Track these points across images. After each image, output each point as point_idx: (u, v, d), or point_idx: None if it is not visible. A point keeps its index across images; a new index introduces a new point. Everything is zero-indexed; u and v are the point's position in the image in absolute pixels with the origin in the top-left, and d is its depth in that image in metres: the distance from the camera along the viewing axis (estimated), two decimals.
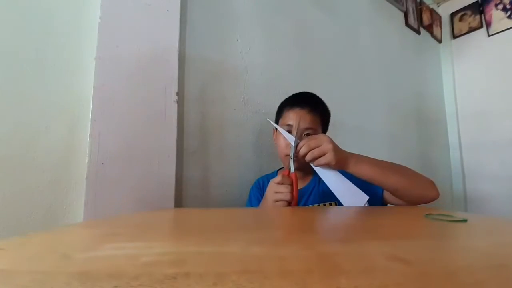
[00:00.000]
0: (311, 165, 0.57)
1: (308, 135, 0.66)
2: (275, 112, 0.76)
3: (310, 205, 0.67)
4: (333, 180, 0.57)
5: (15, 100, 0.54)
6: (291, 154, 0.59)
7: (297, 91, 0.75)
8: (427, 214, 0.37)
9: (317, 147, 0.54)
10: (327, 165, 0.55)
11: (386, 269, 0.15)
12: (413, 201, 0.58)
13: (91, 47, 0.61)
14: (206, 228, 0.33)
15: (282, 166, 0.78)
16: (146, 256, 0.18)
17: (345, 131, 1.17)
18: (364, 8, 1.44)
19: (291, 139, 0.61)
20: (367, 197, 0.55)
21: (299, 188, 0.69)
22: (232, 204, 0.80)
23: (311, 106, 0.68)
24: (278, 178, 0.55)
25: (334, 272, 0.15)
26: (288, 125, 0.67)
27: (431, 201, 0.57)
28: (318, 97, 0.73)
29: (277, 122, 0.74)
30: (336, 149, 0.54)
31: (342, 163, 0.55)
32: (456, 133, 1.91)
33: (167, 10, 0.72)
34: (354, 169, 0.55)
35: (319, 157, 0.54)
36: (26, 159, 0.53)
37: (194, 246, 0.21)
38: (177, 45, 0.72)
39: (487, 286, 0.13)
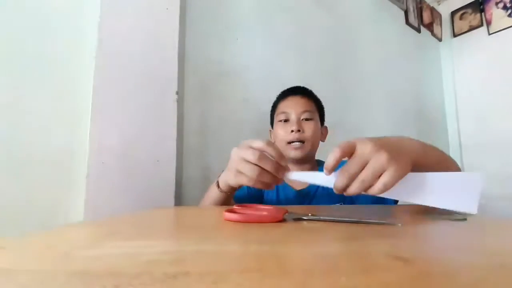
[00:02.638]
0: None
1: (307, 119, 0.66)
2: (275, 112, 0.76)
3: None
4: (426, 193, 0.35)
5: (15, 99, 0.54)
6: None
7: None
8: (427, 214, 0.37)
9: (359, 166, 0.33)
10: (394, 184, 0.33)
11: (385, 268, 0.15)
12: None
13: (91, 46, 0.60)
14: (206, 227, 0.33)
15: None
16: (146, 255, 0.18)
17: (344, 131, 1.17)
18: (365, 6, 1.43)
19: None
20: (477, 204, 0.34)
21: (302, 188, 0.65)
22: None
23: (302, 93, 0.70)
24: (257, 142, 0.39)
25: (334, 271, 0.15)
26: (284, 112, 0.67)
27: None
28: (308, 88, 0.74)
29: (272, 121, 0.74)
30: (394, 156, 0.33)
31: (406, 170, 0.34)
32: (456, 132, 1.91)
33: (167, 9, 0.72)
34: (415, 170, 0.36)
35: (374, 180, 0.33)
36: (26, 158, 0.53)
37: (194, 245, 0.21)
38: (176, 44, 0.72)
39: (487, 286, 0.13)
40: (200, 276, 0.14)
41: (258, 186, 0.39)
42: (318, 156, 0.72)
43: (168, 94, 0.70)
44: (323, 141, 0.73)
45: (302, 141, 0.64)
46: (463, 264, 0.17)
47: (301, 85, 0.74)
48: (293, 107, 0.66)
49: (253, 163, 0.37)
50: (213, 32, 0.85)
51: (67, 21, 0.61)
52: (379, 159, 0.32)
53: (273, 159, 0.38)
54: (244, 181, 0.39)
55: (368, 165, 0.32)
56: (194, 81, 0.79)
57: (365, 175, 0.32)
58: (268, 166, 0.37)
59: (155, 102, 0.67)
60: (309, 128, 0.65)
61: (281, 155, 0.38)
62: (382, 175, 0.32)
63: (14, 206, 0.51)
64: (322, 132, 0.73)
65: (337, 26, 1.26)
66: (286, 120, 0.67)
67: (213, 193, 0.51)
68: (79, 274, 0.15)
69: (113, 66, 0.62)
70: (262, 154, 0.37)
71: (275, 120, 0.70)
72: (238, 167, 0.39)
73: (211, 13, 0.85)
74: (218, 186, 0.49)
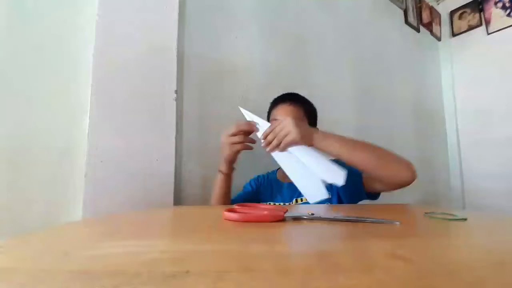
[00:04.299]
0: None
1: None
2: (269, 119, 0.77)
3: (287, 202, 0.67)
4: (308, 156, 0.55)
5: (13, 98, 0.53)
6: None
7: (296, 89, 0.75)
8: (426, 213, 0.37)
9: (282, 130, 0.54)
10: (292, 143, 0.54)
11: (386, 267, 0.15)
12: (386, 182, 0.58)
13: (88, 44, 0.60)
14: (206, 227, 0.33)
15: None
16: (146, 254, 0.18)
17: (343, 130, 1.17)
18: (364, 5, 1.43)
19: (262, 125, 0.60)
20: (344, 172, 0.51)
21: (291, 181, 0.65)
22: (231, 202, 0.80)
23: (291, 99, 0.72)
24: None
25: (334, 270, 0.15)
26: (275, 119, 0.68)
27: (406, 184, 0.55)
28: (299, 94, 0.75)
29: None
30: (299, 125, 0.54)
31: (307, 138, 0.54)
32: (454, 131, 1.91)
33: (165, 7, 0.72)
34: (320, 144, 0.55)
35: (284, 138, 0.54)
36: (25, 157, 0.53)
37: (193, 244, 0.21)
38: (175, 42, 0.72)
39: (487, 284, 0.13)
40: (199, 275, 0.14)
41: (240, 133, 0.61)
42: None
43: (167, 92, 0.69)
44: None
45: None
46: (463, 263, 0.17)
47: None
48: (282, 115, 0.68)
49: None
50: (212, 30, 0.84)
51: (65, 18, 0.60)
52: (288, 126, 0.54)
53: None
54: (233, 129, 0.61)
55: (283, 129, 0.54)
56: (193, 80, 0.78)
57: (281, 132, 0.54)
58: (241, 127, 0.61)
59: (154, 101, 0.67)
60: None
61: (250, 125, 0.61)
62: (287, 136, 0.54)
63: (13, 205, 0.51)
64: None
65: (337, 25, 1.25)
66: None
67: (217, 181, 0.66)
68: (78, 274, 0.14)
69: (111, 64, 0.62)
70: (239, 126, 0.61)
71: None
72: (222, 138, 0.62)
73: (210, 11, 0.85)
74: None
